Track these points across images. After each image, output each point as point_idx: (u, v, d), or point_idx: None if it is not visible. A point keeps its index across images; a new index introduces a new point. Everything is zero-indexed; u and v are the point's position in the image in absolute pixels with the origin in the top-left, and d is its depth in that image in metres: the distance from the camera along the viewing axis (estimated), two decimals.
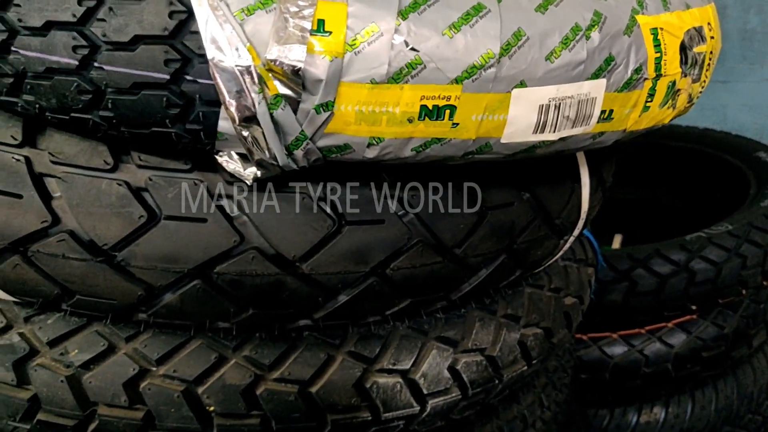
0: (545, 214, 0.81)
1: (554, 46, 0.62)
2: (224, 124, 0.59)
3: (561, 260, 1.00)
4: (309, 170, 0.65)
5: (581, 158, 0.87)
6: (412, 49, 0.58)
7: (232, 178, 0.66)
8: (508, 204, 0.77)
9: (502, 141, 0.64)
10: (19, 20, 0.58)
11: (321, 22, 0.56)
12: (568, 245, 0.90)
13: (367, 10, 0.57)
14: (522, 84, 0.62)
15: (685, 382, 1.56)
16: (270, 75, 0.56)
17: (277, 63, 0.56)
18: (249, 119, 0.58)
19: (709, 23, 0.77)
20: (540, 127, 0.65)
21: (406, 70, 0.58)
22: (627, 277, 1.46)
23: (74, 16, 0.57)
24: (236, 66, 0.56)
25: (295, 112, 0.58)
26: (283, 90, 0.57)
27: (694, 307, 1.52)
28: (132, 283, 0.66)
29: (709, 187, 1.98)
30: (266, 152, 0.60)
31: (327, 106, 0.58)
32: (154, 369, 0.71)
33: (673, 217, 2.08)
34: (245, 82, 0.56)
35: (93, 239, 0.65)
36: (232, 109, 0.57)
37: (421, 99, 0.59)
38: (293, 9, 0.56)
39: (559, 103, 0.64)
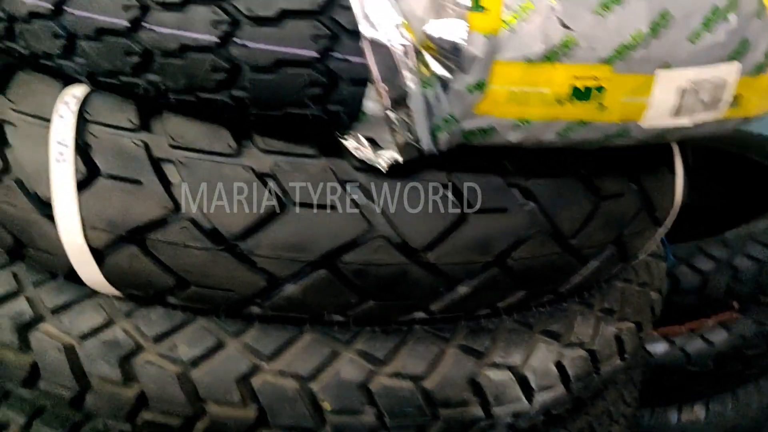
0: (649, 204, 0.80)
1: (696, 27, 0.61)
2: (370, 105, 0.56)
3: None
4: (437, 156, 0.62)
5: (675, 147, 0.86)
6: (566, 27, 0.56)
7: (361, 164, 0.63)
8: (619, 194, 0.75)
9: (641, 125, 0.63)
10: None
11: None
12: (659, 237, 0.89)
13: None
14: (666, 65, 0.60)
15: (727, 381, 1.56)
16: (425, 52, 0.54)
17: (435, 39, 0.53)
18: (400, 99, 0.55)
19: None
20: (677, 111, 0.63)
21: (560, 48, 0.56)
22: (669, 274, 1.45)
23: None
24: (391, 42, 0.53)
25: (445, 92, 0.56)
26: (437, 68, 0.55)
27: (736, 305, 1.51)
28: (254, 273, 0.64)
29: (737, 187, 1.98)
30: (411, 135, 0.58)
31: (480, 85, 0.56)
32: (266, 365, 0.68)
33: (702, 216, 2.08)
34: (399, 60, 0.54)
35: (216, 227, 0.62)
36: (383, 88, 0.55)
37: (572, 79, 0.57)
38: None
39: (697, 87, 0.63)
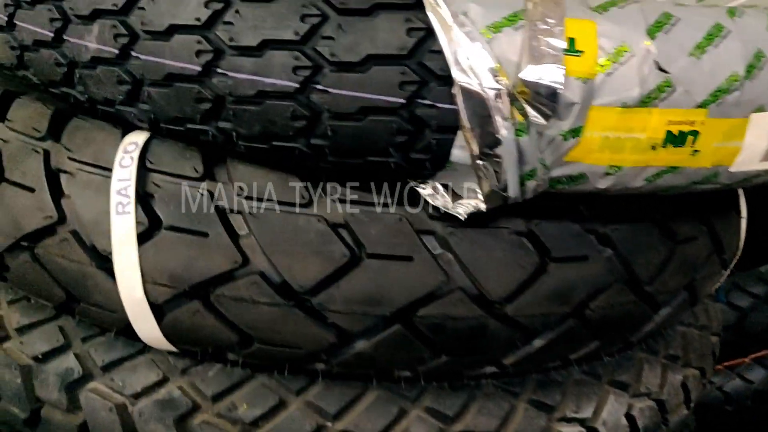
0: (719, 247, 0.77)
1: None
2: (458, 153, 0.53)
3: None
4: (517, 203, 0.59)
5: (740, 190, 0.83)
6: (663, 70, 0.53)
7: (436, 213, 0.60)
8: (693, 238, 0.72)
9: (731, 170, 0.60)
10: (230, 39, 0.52)
11: (572, 41, 0.51)
12: (723, 279, 0.86)
13: (617, 29, 0.53)
14: (760, 108, 0.57)
15: (767, 419, 1.51)
16: (520, 97, 0.51)
17: (530, 84, 0.51)
18: (491, 147, 0.52)
19: None
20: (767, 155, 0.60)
21: (656, 93, 0.53)
22: None
23: (296, 34, 0.51)
24: (485, 88, 0.50)
25: (539, 138, 0.53)
26: (532, 114, 0.52)
27: None
28: (325, 329, 0.60)
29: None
30: (498, 183, 0.54)
31: (575, 132, 0.53)
32: (331, 425, 0.64)
33: None
34: (493, 106, 0.51)
35: (287, 281, 0.58)
36: (474, 135, 0.52)
37: (668, 124, 0.54)
38: (543, 27, 0.51)
39: None
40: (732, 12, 0.58)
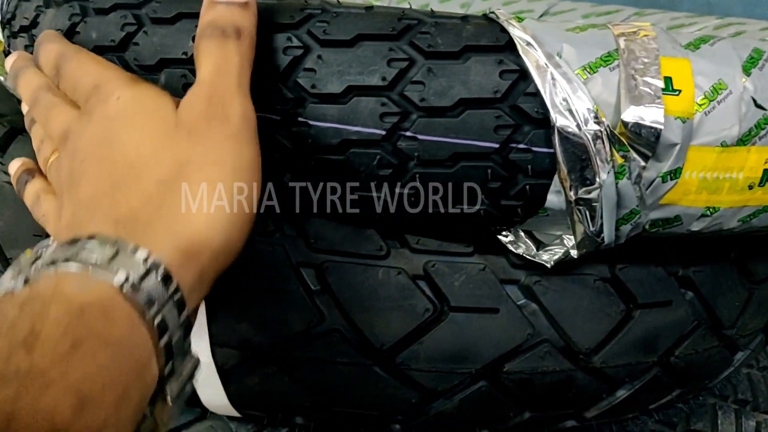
0: None
1: None
2: (553, 198, 0.51)
3: None
4: (608, 248, 0.56)
5: None
6: (760, 107, 0.51)
7: (519, 260, 0.57)
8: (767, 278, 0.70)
9: None
10: (312, 86, 0.50)
11: (668, 80, 0.49)
12: None
13: (712, 66, 0.51)
14: None
15: None
16: (621, 139, 0.49)
17: (629, 125, 0.48)
18: (589, 191, 0.50)
19: None
20: None
21: (755, 130, 0.51)
22: None
23: (384, 79, 0.49)
24: (584, 131, 0.48)
25: (638, 181, 0.50)
26: (632, 156, 0.49)
27: None
28: (407, 389, 0.56)
29: None
30: (593, 228, 0.52)
31: (675, 173, 0.50)
32: None
33: None
34: (593, 150, 0.48)
35: (368, 338, 0.54)
36: (571, 180, 0.49)
37: (765, 162, 0.52)
38: (638, 66, 0.49)
39: None
40: None
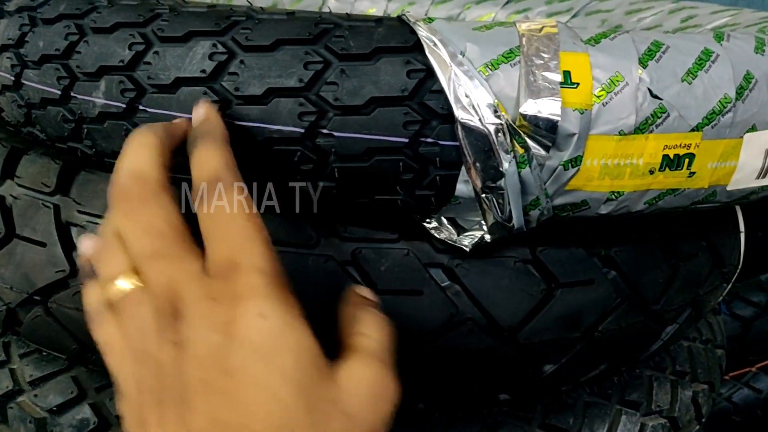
0: (720, 262, 0.78)
1: None
2: (462, 188, 0.55)
3: None
4: (522, 232, 0.60)
5: (737, 206, 0.85)
6: (656, 97, 0.55)
7: (442, 245, 0.61)
8: (694, 255, 0.73)
9: (728, 188, 0.61)
10: (236, 89, 0.53)
11: (567, 74, 0.53)
12: (725, 292, 0.87)
13: (610, 59, 0.54)
14: (753, 128, 0.59)
15: None
16: (520, 131, 0.52)
17: (529, 118, 0.52)
18: (494, 180, 0.54)
19: None
20: (763, 173, 0.62)
21: (652, 119, 0.55)
22: None
23: (301, 81, 0.53)
24: (486, 124, 0.52)
25: (540, 170, 0.54)
26: (533, 147, 0.53)
27: None
28: None
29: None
30: (502, 214, 0.56)
31: (575, 161, 0.54)
32: None
33: None
34: (494, 142, 0.52)
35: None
36: (477, 170, 0.53)
37: (664, 149, 0.56)
38: (538, 61, 0.53)
39: None
40: (719, 36, 0.60)
